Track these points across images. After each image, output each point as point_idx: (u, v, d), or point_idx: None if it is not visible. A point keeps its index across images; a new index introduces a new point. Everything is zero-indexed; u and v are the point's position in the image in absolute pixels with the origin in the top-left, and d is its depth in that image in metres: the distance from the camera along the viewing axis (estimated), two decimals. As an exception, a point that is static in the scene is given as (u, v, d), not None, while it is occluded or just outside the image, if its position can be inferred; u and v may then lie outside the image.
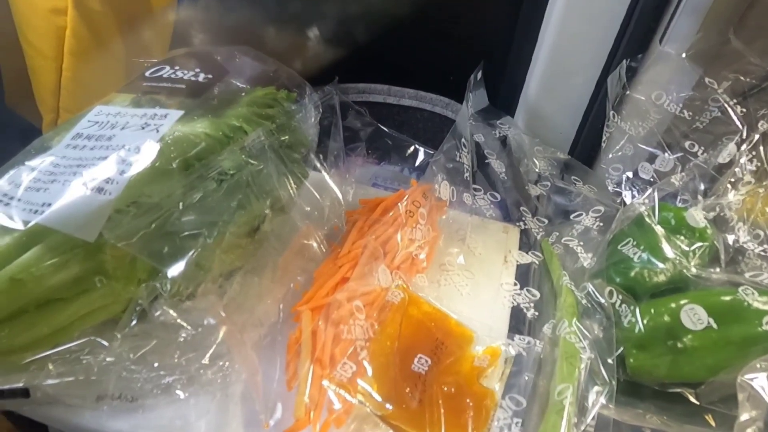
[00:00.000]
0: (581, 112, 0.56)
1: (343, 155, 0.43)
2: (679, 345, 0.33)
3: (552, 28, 0.50)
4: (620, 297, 0.36)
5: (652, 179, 0.47)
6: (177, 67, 0.38)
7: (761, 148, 0.43)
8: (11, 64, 0.49)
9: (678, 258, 0.37)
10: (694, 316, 0.33)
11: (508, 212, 0.52)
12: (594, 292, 0.37)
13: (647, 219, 0.40)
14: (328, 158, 0.42)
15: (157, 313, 0.28)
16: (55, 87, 0.46)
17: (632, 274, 0.37)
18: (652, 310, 0.34)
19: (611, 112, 0.50)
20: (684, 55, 0.42)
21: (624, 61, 0.47)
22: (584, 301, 0.38)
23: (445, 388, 0.31)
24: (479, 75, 0.55)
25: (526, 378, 0.34)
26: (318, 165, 0.40)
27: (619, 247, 0.39)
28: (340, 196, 0.40)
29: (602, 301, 0.36)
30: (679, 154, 0.46)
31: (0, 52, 0.50)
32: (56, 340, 0.28)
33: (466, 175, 0.45)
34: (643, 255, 0.37)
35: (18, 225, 0.27)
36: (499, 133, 0.57)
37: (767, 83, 0.44)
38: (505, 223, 0.49)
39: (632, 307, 0.35)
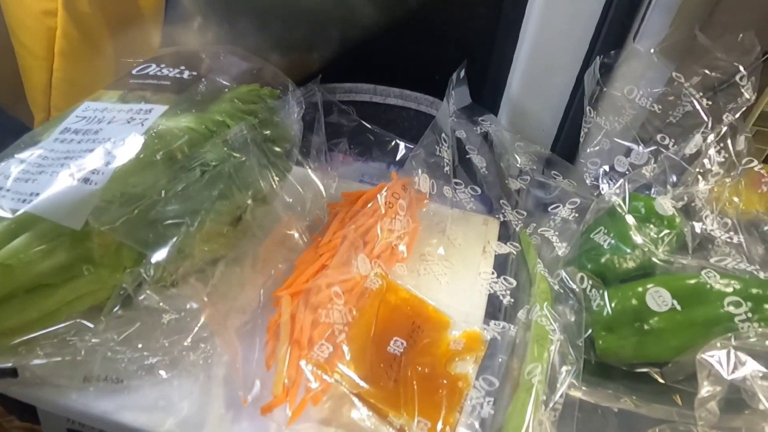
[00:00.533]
0: (562, 108, 0.57)
1: (326, 150, 0.45)
2: (646, 327, 0.34)
3: (532, 27, 0.52)
4: (590, 282, 0.37)
5: (627, 172, 0.49)
6: (163, 65, 0.40)
7: (729, 140, 0.44)
8: (3, 65, 0.51)
9: (647, 245, 0.39)
10: (659, 299, 0.34)
11: (491, 206, 0.54)
12: (566, 279, 0.38)
13: (618, 209, 0.42)
14: (311, 153, 0.43)
15: (141, 297, 0.29)
16: (46, 86, 0.48)
17: (603, 260, 0.39)
18: (620, 294, 0.36)
19: (588, 108, 0.51)
20: (652, 51, 0.44)
21: (597, 57, 0.48)
22: (557, 287, 0.39)
23: (420, 369, 0.32)
24: (462, 73, 0.57)
25: (500, 360, 0.35)
26: (301, 159, 0.42)
27: (591, 236, 0.41)
28: (322, 188, 0.42)
29: (574, 286, 0.38)
30: (653, 148, 0.48)
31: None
32: (44, 324, 0.29)
33: (447, 169, 0.47)
34: (613, 242, 0.39)
35: (7, 213, 0.28)
36: (481, 129, 0.58)
37: (735, 78, 0.46)
38: (485, 216, 0.50)
39: (601, 291, 0.36)
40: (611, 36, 0.49)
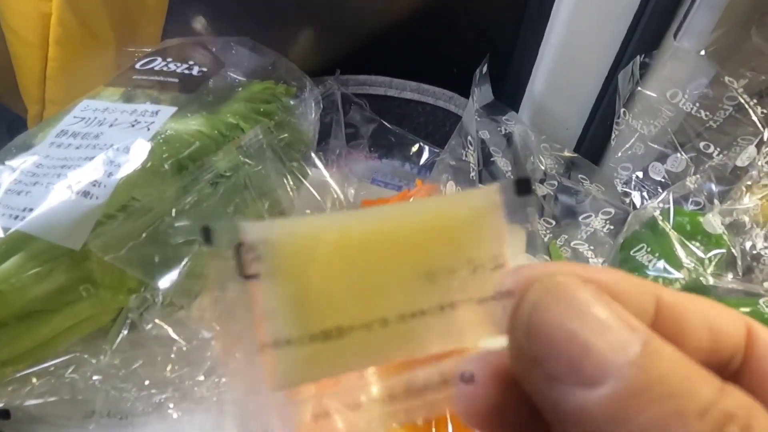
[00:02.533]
0: (589, 108, 0.54)
1: (345, 153, 0.41)
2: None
3: (560, 21, 0.48)
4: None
5: (663, 180, 0.46)
6: (169, 59, 0.36)
7: (779, 150, 0.41)
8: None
9: (694, 265, 0.36)
10: (712, 329, 0.32)
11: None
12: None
13: (661, 223, 0.39)
14: (329, 156, 0.40)
15: (149, 326, 0.26)
16: (41, 77, 0.44)
17: (646, 282, 0.36)
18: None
19: (622, 110, 0.48)
20: (703, 52, 0.41)
21: (638, 57, 0.45)
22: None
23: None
24: (484, 69, 0.53)
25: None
26: (318, 163, 0.38)
27: (632, 253, 0.38)
28: (341, 196, 0.38)
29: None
30: (692, 154, 0.45)
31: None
32: (39, 354, 0.26)
33: (473, 174, 0.44)
34: (659, 263, 0.36)
35: (-3, 232, 0.25)
36: (505, 129, 0.55)
37: (786, 82, 0.42)
38: (511, 224, 0.47)
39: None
40: (649, 33, 0.45)
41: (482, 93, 0.54)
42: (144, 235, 0.25)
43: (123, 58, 0.44)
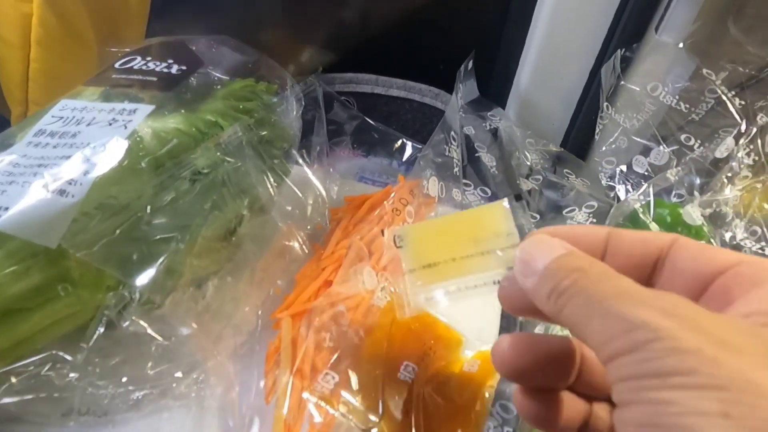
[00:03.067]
0: (574, 102, 0.54)
1: (327, 150, 0.41)
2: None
3: (544, 16, 0.48)
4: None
5: (646, 173, 0.46)
6: (149, 58, 0.36)
7: (759, 141, 0.42)
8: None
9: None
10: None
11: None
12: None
13: (642, 216, 0.39)
14: (311, 153, 0.40)
15: (126, 323, 0.26)
16: (23, 78, 0.44)
17: (626, 273, 0.36)
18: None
19: (605, 104, 0.48)
20: (681, 44, 0.41)
21: (618, 50, 0.45)
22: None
23: (433, 397, 0.29)
24: (470, 65, 0.53)
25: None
26: (300, 161, 0.39)
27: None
28: (324, 193, 0.39)
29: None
30: (675, 147, 0.45)
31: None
32: (18, 353, 0.26)
33: (456, 170, 0.44)
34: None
35: (-28, 231, 0.25)
36: (490, 125, 0.55)
37: (766, 74, 0.43)
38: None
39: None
40: (631, 27, 0.45)
41: (467, 89, 0.55)
42: (118, 231, 0.25)
43: (105, 59, 0.44)
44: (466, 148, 0.50)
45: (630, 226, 0.39)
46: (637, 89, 0.46)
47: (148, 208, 0.27)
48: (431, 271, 0.23)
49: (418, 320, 0.34)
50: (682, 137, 0.44)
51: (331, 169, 0.41)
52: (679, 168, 0.42)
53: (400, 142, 0.49)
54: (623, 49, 0.45)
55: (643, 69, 0.45)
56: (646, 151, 0.47)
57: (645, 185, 0.41)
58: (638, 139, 0.47)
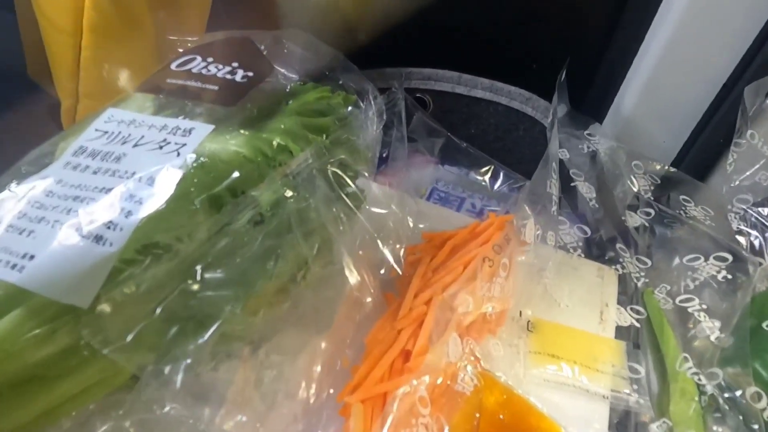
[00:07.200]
0: (694, 122, 0.46)
1: (406, 175, 0.35)
2: None
3: (670, 19, 0.40)
4: (770, 405, 0.27)
5: (796, 218, 0.37)
6: (210, 59, 0.31)
7: None
8: (31, 30, 0.43)
9: None
10: None
11: (595, 245, 0.43)
12: (730, 387, 0.28)
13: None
14: (387, 180, 0.34)
15: (166, 408, 0.21)
16: (74, 68, 0.39)
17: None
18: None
19: (749, 131, 0.39)
20: None
21: (773, 67, 0.36)
22: (711, 391, 0.29)
23: None
24: (563, 76, 0.45)
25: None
26: (375, 190, 0.32)
27: (765, 326, 0.30)
28: (400, 230, 0.32)
29: (742, 402, 0.27)
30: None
31: (20, 18, 0.44)
32: (42, 426, 0.22)
33: (553, 208, 0.36)
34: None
35: (-9, 283, 0.21)
36: (587, 147, 0.47)
37: None
38: (600, 265, 0.39)
39: (788, 425, 0.26)
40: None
41: (560, 105, 0.47)
42: (159, 310, 0.20)
43: (165, 49, 0.39)
44: (559, 177, 0.42)
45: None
46: (792, 114, 0.37)
47: (199, 267, 0.21)
48: (553, 359, 0.30)
49: (509, 407, 0.27)
50: None
51: (412, 200, 0.34)
52: None
53: (491, 169, 0.41)
54: (782, 67, 0.36)
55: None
56: (796, 191, 0.38)
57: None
58: (789, 176, 0.38)
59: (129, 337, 0.19)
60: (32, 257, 0.21)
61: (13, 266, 0.21)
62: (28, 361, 0.21)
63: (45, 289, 0.20)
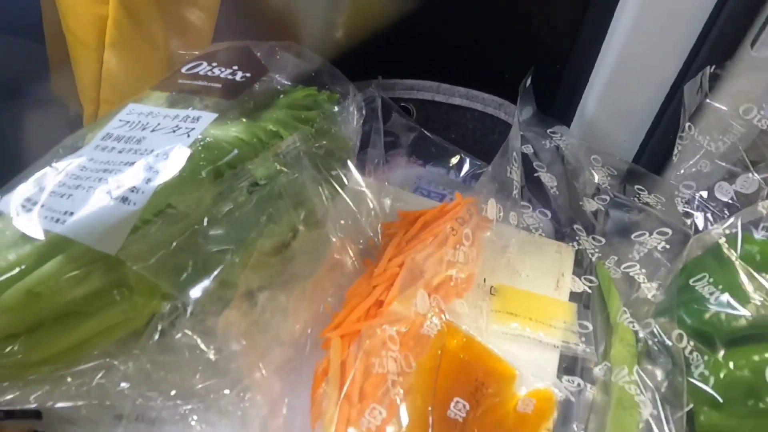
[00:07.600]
0: (649, 121, 0.51)
1: (383, 162, 0.40)
2: (762, 406, 0.28)
3: (624, 25, 0.45)
4: (691, 343, 0.31)
5: (731, 201, 0.42)
6: (214, 64, 0.36)
7: None
8: (57, 51, 0.49)
9: (762, 301, 0.32)
10: (782, 375, 0.28)
11: (560, 231, 0.48)
12: (660, 333, 0.33)
13: (726, 251, 0.35)
14: (367, 166, 0.39)
15: (178, 335, 0.26)
16: (96, 78, 0.45)
17: (707, 316, 0.32)
18: (731, 364, 0.30)
19: (687, 123, 0.44)
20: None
21: (708, 67, 0.41)
22: (646, 338, 0.33)
23: (485, 437, 0.28)
24: (528, 81, 0.51)
25: (575, 428, 0.30)
26: (355, 173, 0.37)
27: (691, 283, 0.35)
28: (377, 207, 0.37)
29: (669, 343, 0.32)
30: (766, 175, 0.41)
31: (48, 38, 0.50)
32: (74, 355, 0.27)
33: (515, 192, 0.41)
34: (722, 296, 0.33)
35: (38, 234, 0.26)
36: (551, 143, 0.52)
37: None
38: (559, 242, 0.44)
39: (706, 357, 0.30)
40: (722, 42, 0.42)
41: (525, 106, 0.52)
42: (175, 244, 0.25)
43: (174, 61, 0.45)
44: (524, 168, 0.47)
45: (712, 262, 0.36)
46: (725, 109, 0.42)
47: (206, 219, 0.26)
48: (512, 317, 0.35)
49: (469, 350, 0.32)
50: (778, 164, 0.40)
51: (387, 183, 0.39)
52: (772, 199, 0.38)
53: (458, 157, 0.47)
54: (713, 66, 0.41)
55: (736, 88, 0.41)
56: (731, 177, 0.43)
57: (732, 217, 0.37)
58: (722, 164, 0.43)
59: (152, 260, 0.24)
60: (71, 213, 0.26)
61: (57, 220, 0.26)
62: (67, 298, 0.26)
63: (81, 237, 0.25)
